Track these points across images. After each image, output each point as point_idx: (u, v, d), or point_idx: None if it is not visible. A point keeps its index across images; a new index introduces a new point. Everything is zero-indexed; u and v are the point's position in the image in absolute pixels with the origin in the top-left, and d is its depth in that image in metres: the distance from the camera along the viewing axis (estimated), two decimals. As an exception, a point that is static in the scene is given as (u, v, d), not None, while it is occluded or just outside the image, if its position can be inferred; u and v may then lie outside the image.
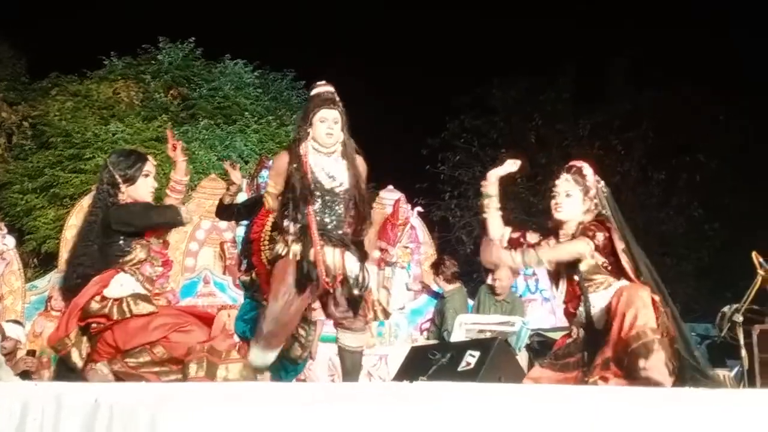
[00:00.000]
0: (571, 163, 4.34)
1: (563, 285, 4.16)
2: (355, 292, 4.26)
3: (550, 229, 4.33)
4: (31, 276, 10.72)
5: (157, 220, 4.05)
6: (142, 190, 4.10)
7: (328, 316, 4.46)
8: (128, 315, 3.73)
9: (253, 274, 4.86)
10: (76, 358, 3.76)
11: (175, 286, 4.25)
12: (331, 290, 4.22)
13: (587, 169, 4.24)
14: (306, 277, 4.16)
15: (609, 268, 4.05)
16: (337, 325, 4.42)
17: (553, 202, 4.26)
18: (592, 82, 17.42)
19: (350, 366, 4.42)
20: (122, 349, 3.73)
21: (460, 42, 19.32)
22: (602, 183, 4.25)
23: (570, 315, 4.17)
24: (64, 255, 9.34)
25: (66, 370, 3.85)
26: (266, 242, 4.85)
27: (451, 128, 17.46)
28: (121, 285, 3.81)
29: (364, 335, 4.47)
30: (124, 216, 3.96)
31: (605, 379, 3.78)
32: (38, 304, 8.74)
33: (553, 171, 17.70)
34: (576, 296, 4.10)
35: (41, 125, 14.99)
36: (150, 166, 4.16)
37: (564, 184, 4.22)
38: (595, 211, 4.15)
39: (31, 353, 7.09)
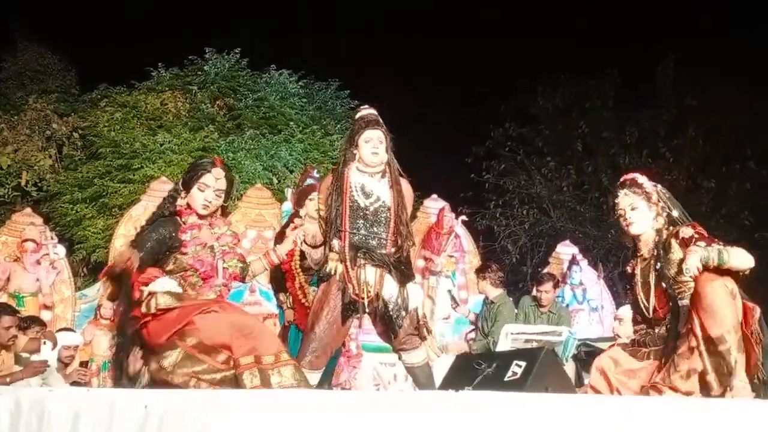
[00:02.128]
0: (623, 178, 4.32)
1: (652, 293, 4.08)
2: (391, 314, 4.32)
3: (630, 247, 4.33)
4: (80, 285, 10.91)
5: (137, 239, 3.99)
6: (195, 200, 4.06)
7: (386, 342, 4.58)
8: (153, 310, 3.76)
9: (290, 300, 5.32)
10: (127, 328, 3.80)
11: (225, 290, 4.19)
12: (367, 309, 4.29)
13: (641, 178, 4.23)
14: (350, 300, 4.25)
15: None
16: (397, 350, 4.52)
17: (621, 220, 4.23)
18: (637, 89, 17.25)
19: (424, 380, 4.55)
20: (156, 343, 3.75)
21: (503, 49, 19.24)
22: (659, 186, 4.24)
23: (660, 319, 4.11)
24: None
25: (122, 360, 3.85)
26: (299, 269, 5.51)
27: (496, 136, 17.37)
28: (162, 286, 3.85)
29: (423, 349, 4.55)
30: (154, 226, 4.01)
31: (658, 391, 3.74)
32: (88, 313, 8.89)
33: (600, 179, 17.59)
34: (665, 302, 4.05)
35: (91, 136, 15.26)
36: (210, 178, 4.06)
37: (624, 199, 4.20)
38: (663, 214, 4.14)
39: (84, 364, 7.21)
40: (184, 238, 3.98)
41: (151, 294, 3.81)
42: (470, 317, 7.97)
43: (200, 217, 4.08)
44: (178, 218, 4.05)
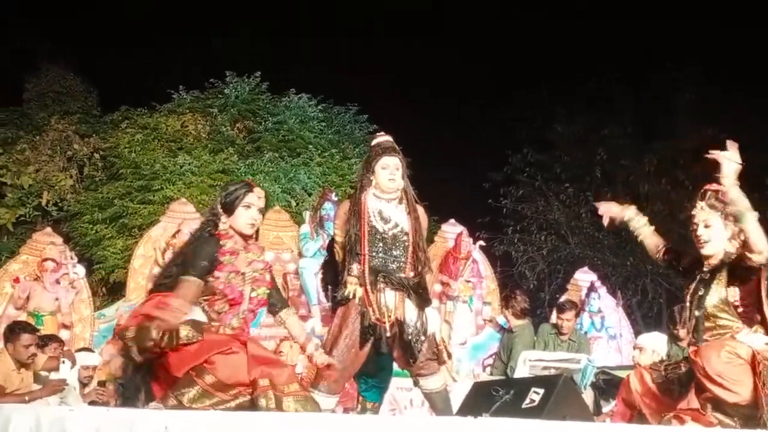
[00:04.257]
0: (706, 187, 3.99)
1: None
2: (410, 338, 4.32)
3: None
4: (99, 304, 10.95)
5: (184, 266, 3.90)
6: (240, 220, 4.01)
7: (403, 367, 4.55)
8: (174, 344, 3.68)
9: None
10: (135, 354, 3.68)
11: (240, 323, 4.08)
12: (387, 332, 4.29)
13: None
14: (370, 324, 4.26)
15: (742, 310, 3.77)
16: (415, 376, 4.51)
17: (694, 236, 3.93)
18: (655, 117, 17.21)
19: (442, 405, 4.56)
20: (174, 375, 3.72)
21: (521, 75, 19.28)
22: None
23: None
24: (131, 284, 9.57)
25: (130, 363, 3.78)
26: None
27: (514, 162, 17.38)
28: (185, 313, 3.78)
29: (442, 375, 4.57)
30: (194, 247, 3.96)
31: (681, 420, 3.71)
32: (106, 332, 8.91)
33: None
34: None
35: (112, 157, 15.38)
36: (253, 198, 4.04)
37: (700, 213, 3.91)
38: (741, 236, 3.79)
39: (102, 384, 7.24)
40: (223, 260, 3.94)
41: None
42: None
43: (244, 237, 4.05)
44: (218, 239, 4.00)
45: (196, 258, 3.89)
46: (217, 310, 3.91)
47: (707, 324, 3.85)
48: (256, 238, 4.23)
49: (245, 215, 4.02)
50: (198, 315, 3.85)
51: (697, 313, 3.87)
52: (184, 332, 3.73)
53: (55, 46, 17.26)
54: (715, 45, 17.09)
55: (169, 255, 8.52)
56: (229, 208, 4.02)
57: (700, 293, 3.89)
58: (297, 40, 19.79)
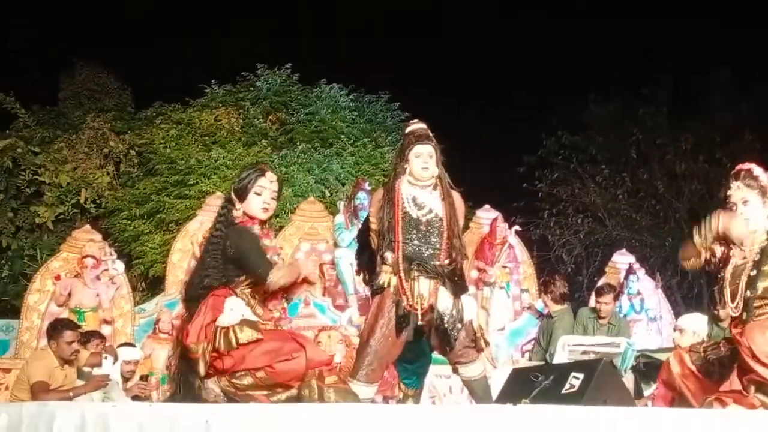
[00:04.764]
0: (738, 167, 4.02)
1: (739, 297, 3.86)
2: (446, 326, 4.32)
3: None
4: (139, 299, 11.09)
5: (248, 265, 3.86)
6: (252, 206, 3.98)
7: (442, 354, 4.54)
8: (235, 346, 3.69)
9: None
10: (202, 368, 3.72)
11: (285, 305, 4.14)
12: (421, 320, 4.29)
13: (757, 169, 3.94)
14: (404, 312, 4.25)
15: None
16: (454, 364, 4.51)
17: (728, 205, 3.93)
18: (690, 95, 16.98)
19: (481, 392, 4.55)
20: (228, 371, 3.77)
21: (554, 56, 19.15)
22: None
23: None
24: (170, 278, 9.68)
25: (188, 376, 3.81)
26: None
27: (548, 145, 17.24)
28: (231, 310, 3.76)
29: (480, 362, 4.55)
30: (234, 241, 3.89)
31: (722, 403, 3.67)
32: (147, 327, 9.04)
33: (655, 187, 17.30)
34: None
35: (147, 153, 15.53)
36: (265, 181, 4.00)
37: (737, 192, 3.92)
38: None
39: (144, 378, 7.33)
40: (264, 245, 3.93)
41: (226, 328, 3.73)
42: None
43: (260, 223, 4.02)
44: (247, 227, 3.97)
45: (255, 248, 3.87)
46: (260, 300, 3.88)
47: (756, 304, 3.81)
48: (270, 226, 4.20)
49: (258, 200, 3.99)
50: (246, 311, 3.81)
51: (748, 293, 3.83)
52: (243, 334, 3.71)
53: (88, 44, 17.46)
54: (746, 22, 16.83)
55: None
56: (242, 195, 4.00)
57: (753, 273, 3.85)
58: (296, 40, 19.75)
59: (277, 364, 3.70)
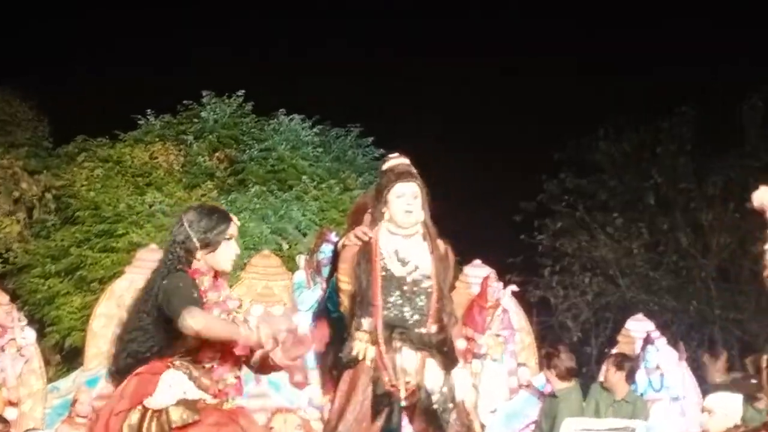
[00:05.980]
0: None
1: None
2: (436, 407, 4.26)
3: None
4: (52, 376, 10.95)
5: (169, 308, 3.73)
6: (222, 256, 3.92)
7: None
8: (166, 429, 3.62)
9: None
10: None
11: (240, 375, 4.01)
12: (405, 402, 4.23)
13: None
14: (383, 393, 4.18)
15: None
16: None
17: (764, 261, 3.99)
18: (718, 130, 17.17)
19: None
20: None
21: (556, 86, 19.36)
22: None
23: None
24: (91, 350, 9.52)
25: None
26: None
27: (550, 189, 17.36)
28: (169, 386, 3.69)
29: None
30: (164, 285, 3.78)
31: None
32: (61, 410, 8.87)
33: (677, 239, 17.43)
34: None
35: (66, 197, 15.49)
36: (234, 228, 3.97)
37: None
38: None
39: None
40: (206, 301, 3.83)
41: (158, 411, 3.67)
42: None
43: (215, 276, 3.94)
44: (193, 278, 3.87)
45: (186, 291, 3.76)
46: (207, 369, 3.80)
47: None
48: None
49: (229, 250, 3.95)
50: (186, 387, 3.73)
51: None
52: (176, 414, 3.66)
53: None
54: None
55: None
56: (210, 243, 3.91)
57: None
58: (250, 63, 19.90)
59: None
